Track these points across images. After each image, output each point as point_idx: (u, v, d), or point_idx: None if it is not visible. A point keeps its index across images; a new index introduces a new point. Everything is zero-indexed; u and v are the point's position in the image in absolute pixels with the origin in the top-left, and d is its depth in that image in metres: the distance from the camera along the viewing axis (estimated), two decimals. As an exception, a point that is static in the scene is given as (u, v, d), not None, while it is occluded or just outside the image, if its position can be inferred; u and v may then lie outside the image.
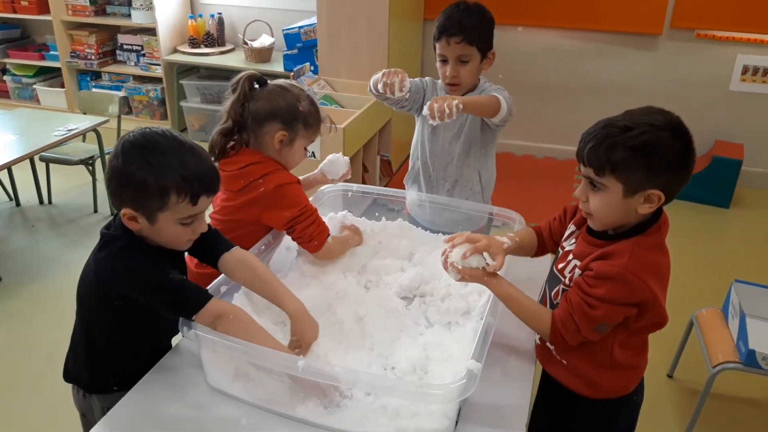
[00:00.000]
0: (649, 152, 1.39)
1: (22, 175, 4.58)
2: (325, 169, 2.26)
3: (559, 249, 1.70)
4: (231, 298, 1.73)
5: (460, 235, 1.66)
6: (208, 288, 1.63)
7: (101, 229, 1.57)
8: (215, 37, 5.74)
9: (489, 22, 2.26)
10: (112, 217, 1.61)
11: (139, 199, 1.45)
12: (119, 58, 6.04)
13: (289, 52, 5.17)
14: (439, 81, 2.36)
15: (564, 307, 1.54)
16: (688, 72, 4.92)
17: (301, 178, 2.22)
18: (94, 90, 5.87)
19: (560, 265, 1.63)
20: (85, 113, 4.58)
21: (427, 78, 2.43)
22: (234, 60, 5.59)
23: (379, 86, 2.14)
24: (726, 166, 4.68)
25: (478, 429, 1.48)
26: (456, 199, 2.39)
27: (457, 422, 1.47)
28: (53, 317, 3.36)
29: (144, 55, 5.83)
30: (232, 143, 1.99)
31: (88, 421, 1.73)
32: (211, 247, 1.70)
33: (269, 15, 5.64)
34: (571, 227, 1.68)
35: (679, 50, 4.89)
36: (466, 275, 1.61)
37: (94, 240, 1.58)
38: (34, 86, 6.24)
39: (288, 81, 2.03)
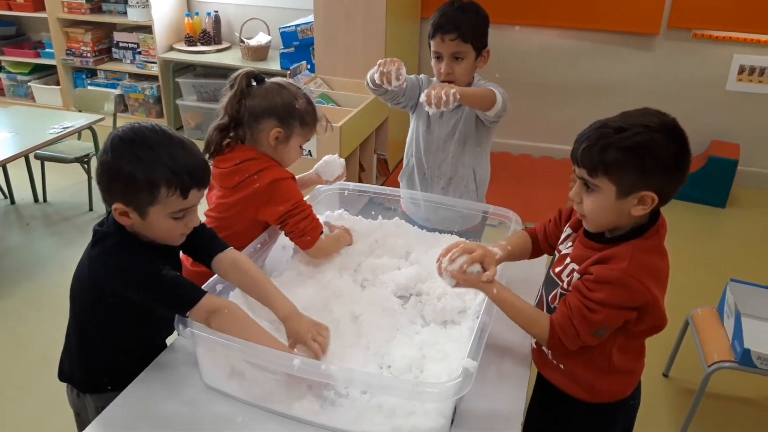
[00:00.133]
0: (642, 153, 1.39)
1: (17, 173, 4.57)
2: (320, 169, 2.26)
3: (556, 252, 1.70)
4: (227, 296, 1.72)
5: (455, 244, 1.65)
6: (204, 286, 1.63)
7: (94, 226, 1.57)
8: (212, 35, 5.73)
9: (484, 20, 2.27)
10: (106, 215, 1.60)
11: (130, 193, 1.45)
12: (115, 55, 6.03)
13: (285, 51, 5.16)
14: (435, 79, 2.36)
15: (563, 311, 1.53)
16: (684, 72, 4.93)
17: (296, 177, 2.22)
18: (89, 88, 5.86)
19: (557, 269, 1.62)
20: (80, 111, 4.57)
21: (422, 75, 2.44)
22: (230, 58, 5.58)
23: (376, 76, 2.14)
24: (722, 166, 4.68)
25: (474, 429, 1.48)
26: (451, 197, 2.40)
27: (452, 421, 1.47)
28: (48, 316, 3.35)
29: (140, 52, 5.82)
30: (228, 140, 1.98)
31: (82, 420, 1.73)
32: (205, 247, 1.71)
33: (266, 13, 5.63)
34: (567, 230, 1.68)
35: (676, 50, 4.90)
36: (461, 280, 1.60)
37: (89, 238, 1.58)
38: (29, 84, 6.22)
39: (285, 79, 2.03)
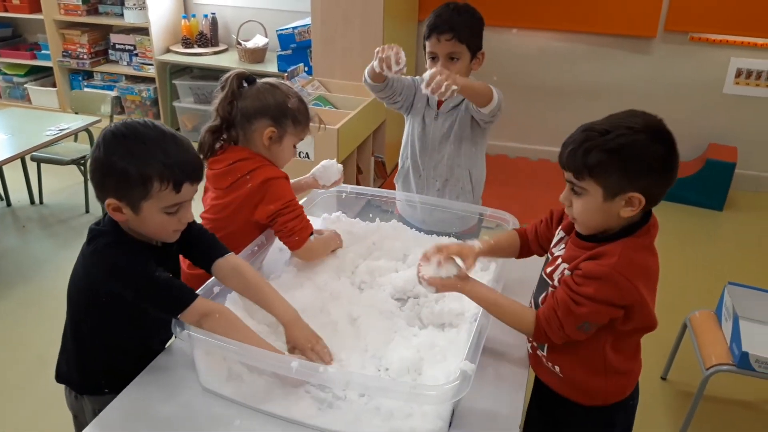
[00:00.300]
0: (626, 155, 1.39)
1: (13, 175, 4.56)
2: (317, 174, 2.25)
3: (548, 255, 1.70)
4: (224, 299, 1.72)
5: (432, 247, 1.67)
6: (201, 288, 1.63)
7: (90, 226, 1.57)
8: (208, 37, 5.72)
9: (479, 21, 2.28)
10: (102, 216, 1.60)
11: (122, 188, 1.45)
12: (111, 57, 6.01)
13: (283, 53, 5.15)
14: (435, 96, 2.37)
15: (549, 303, 1.53)
16: (682, 75, 4.93)
17: (292, 181, 2.22)
18: (86, 90, 5.84)
19: (548, 269, 1.63)
20: (76, 113, 4.57)
21: (418, 77, 2.43)
22: (227, 60, 5.57)
23: (375, 64, 2.14)
24: (719, 169, 4.69)
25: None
26: (447, 200, 2.41)
27: (450, 424, 1.46)
28: (44, 318, 3.34)
29: (137, 54, 5.81)
30: (221, 142, 1.98)
31: (79, 422, 1.72)
32: (205, 251, 1.71)
33: (263, 15, 5.63)
34: (560, 233, 1.68)
35: (673, 53, 4.90)
36: (439, 286, 1.61)
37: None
38: (25, 85, 6.20)
39: (277, 79, 2.03)
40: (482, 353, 1.48)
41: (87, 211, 4.50)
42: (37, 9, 5.81)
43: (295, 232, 1.93)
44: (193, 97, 5.74)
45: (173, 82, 5.74)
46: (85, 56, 5.86)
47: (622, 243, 1.47)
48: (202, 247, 1.71)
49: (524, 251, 1.85)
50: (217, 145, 1.99)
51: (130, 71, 5.88)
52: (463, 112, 2.33)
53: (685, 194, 4.76)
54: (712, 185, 4.74)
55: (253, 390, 1.52)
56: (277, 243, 2.05)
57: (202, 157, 1.95)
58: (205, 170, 2.00)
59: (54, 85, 6.13)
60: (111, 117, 4.42)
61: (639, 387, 1.73)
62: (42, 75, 6.28)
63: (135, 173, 1.43)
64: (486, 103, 2.17)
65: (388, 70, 2.12)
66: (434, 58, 2.26)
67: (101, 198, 1.49)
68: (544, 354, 1.64)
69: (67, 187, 4.82)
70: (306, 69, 4.72)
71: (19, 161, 4.19)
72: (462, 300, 1.85)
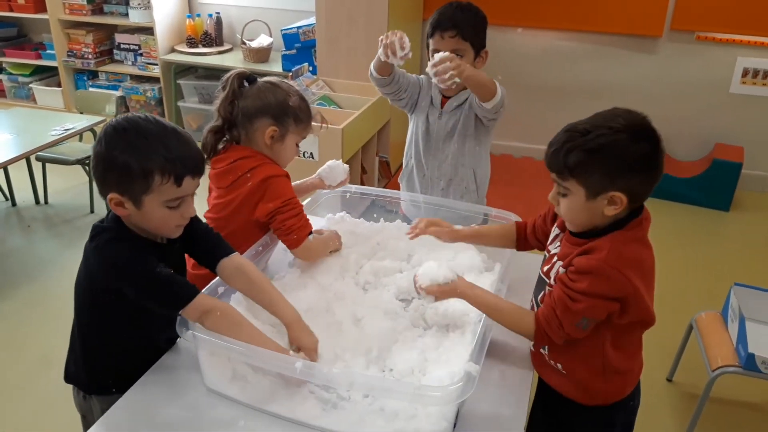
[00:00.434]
0: (606, 155, 1.41)
1: (19, 174, 4.56)
2: (323, 174, 2.25)
3: (546, 253, 1.71)
4: (229, 299, 1.72)
5: (419, 220, 1.88)
6: (205, 288, 1.64)
7: (94, 223, 1.57)
8: (213, 36, 5.72)
9: (482, 20, 2.29)
10: (106, 215, 1.60)
11: (124, 182, 1.45)
12: (116, 57, 6.01)
13: (287, 53, 5.15)
14: (434, 79, 2.37)
15: (547, 303, 1.54)
16: (688, 74, 4.92)
17: (298, 182, 2.22)
18: (91, 89, 5.85)
19: (545, 268, 1.64)
20: (81, 113, 4.57)
21: (422, 76, 2.44)
22: (232, 60, 5.57)
23: (380, 52, 2.14)
24: (726, 169, 4.67)
25: (476, 433, 1.47)
26: (452, 199, 2.41)
27: (455, 425, 1.46)
28: (49, 318, 3.34)
29: (141, 54, 5.81)
30: (224, 142, 1.98)
31: (88, 422, 1.72)
32: (210, 251, 1.71)
33: (268, 15, 5.62)
34: (555, 230, 1.69)
35: (679, 52, 4.89)
36: (437, 293, 1.63)
37: (90, 239, 1.57)
38: (30, 85, 6.21)
39: (278, 78, 2.03)
40: (487, 354, 1.48)
41: (92, 211, 4.50)
42: (42, 9, 5.81)
43: (294, 231, 1.92)
44: (197, 97, 5.74)
45: (178, 81, 5.74)
46: (90, 56, 5.86)
47: (611, 237, 1.48)
48: (207, 246, 1.71)
49: (523, 244, 1.88)
50: (220, 145, 1.99)
51: (135, 71, 5.88)
52: (467, 111, 2.33)
53: (691, 194, 4.75)
54: (719, 185, 4.72)
55: (257, 391, 1.52)
56: (281, 243, 2.04)
57: (205, 156, 1.94)
58: (209, 170, 1.99)
59: (59, 85, 6.13)
60: (116, 117, 4.41)
61: (640, 388, 1.73)
62: (47, 75, 6.29)
63: (136, 167, 1.43)
64: (489, 97, 2.16)
65: (393, 56, 2.12)
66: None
67: (103, 193, 1.49)
68: (546, 353, 1.64)
69: (72, 187, 4.83)
70: (310, 69, 4.72)
71: (24, 161, 4.18)
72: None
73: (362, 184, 4.36)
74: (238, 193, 1.93)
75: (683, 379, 3.03)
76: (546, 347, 1.63)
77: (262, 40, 5.54)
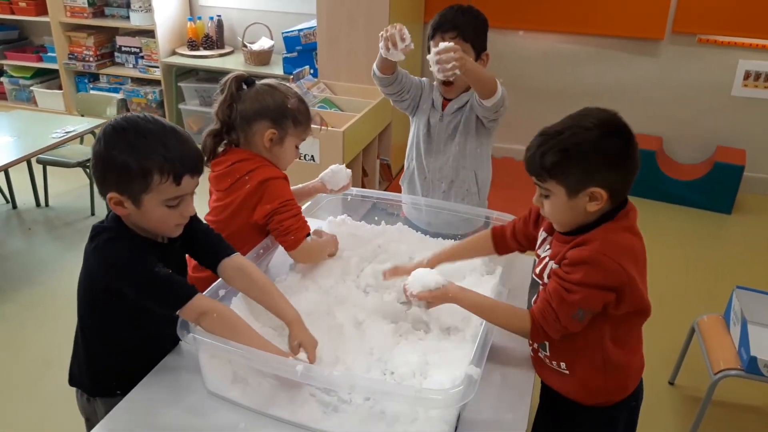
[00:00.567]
0: (581, 152, 1.45)
1: (19, 177, 4.55)
2: (325, 178, 2.24)
3: (535, 257, 1.72)
4: (229, 302, 1.72)
5: (393, 269, 1.86)
6: (206, 291, 1.64)
7: (94, 224, 1.57)
8: (214, 39, 5.72)
9: (483, 23, 2.29)
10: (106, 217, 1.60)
11: (123, 182, 1.46)
12: (117, 60, 6.01)
13: (288, 55, 5.15)
14: (435, 82, 2.37)
15: (541, 297, 1.56)
16: (689, 77, 4.91)
17: (300, 185, 2.22)
18: (91, 92, 5.86)
19: (538, 269, 1.65)
20: (82, 115, 4.57)
21: (424, 78, 2.44)
22: (233, 63, 5.57)
23: (381, 46, 2.13)
24: (728, 172, 4.66)
25: (478, 436, 1.47)
26: (453, 202, 2.41)
27: (456, 428, 1.46)
28: (49, 321, 3.34)
29: (142, 57, 5.81)
30: (223, 145, 1.98)
31: (91, 425, 1.71)
32: (211, 251, 1.71)
33: (269, 18, 5.62)
34: (543, 234, 1.71)
35: (681, 55, 4.88)
36: (429, 299, 1.65)
37: (91, 242, 1.57)
38: (31, 88, 6.21)
39: (276, 80, 2.02)
40: (488, 358, 1.48)
41: (93, 214, 4.50)
42: (44, 11, 5.82)
43: (291, 231, 1.92)
44: (198, 100, 5.74)
45: (179, 84, 5.74)
46: (91, 59, 5.86)
47: (603, 228, 1.51)
48: (208, 246, 1.71)
49: (502, 246, 1.89)
50: (220, 148, 1.99)
51: (136, 74, 5.88)
52: (468, 113, 2.33)
53: (693, 197, 4.74)
54: (720, 188, 4.71)
55: (258, 394, 1.52)
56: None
57: (205, 159, 1.94)
58: (209, 172, 2.00)
59: (60, 88, 6.13)
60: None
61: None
62: (48, 77, 6.30)
63: (135, 166, 1.43)
64: (489, 94, 2.16)
65: (393, 49, 2.11)
66: None
67: (103, 192, 1.50)
68: (548, 354, 1.65)
69: (72, 190, 4.83)
70: (311, 71, 4.72)
71: (24, 164, 4.18)
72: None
73: (363, 186, 4.36)
74: (237, 195, 1.93)
75: (685, 383, 3.02)
76: (547, 348, 1.63)
77: (263, 43, 5.54)
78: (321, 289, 1.91)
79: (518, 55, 5.20)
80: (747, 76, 4.77)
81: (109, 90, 5.93)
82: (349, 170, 2.26)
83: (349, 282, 1.99)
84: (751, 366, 2.41)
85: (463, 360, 1.53)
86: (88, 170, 4.40)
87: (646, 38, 4.88)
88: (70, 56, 5.91)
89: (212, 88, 5.62)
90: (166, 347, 1.70)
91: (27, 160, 3.99)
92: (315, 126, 2.06)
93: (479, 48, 2.26)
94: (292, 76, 4.41)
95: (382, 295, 1.94)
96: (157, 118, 1.51)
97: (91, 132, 4.18)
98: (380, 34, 2.13)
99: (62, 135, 3.99)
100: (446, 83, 2.29)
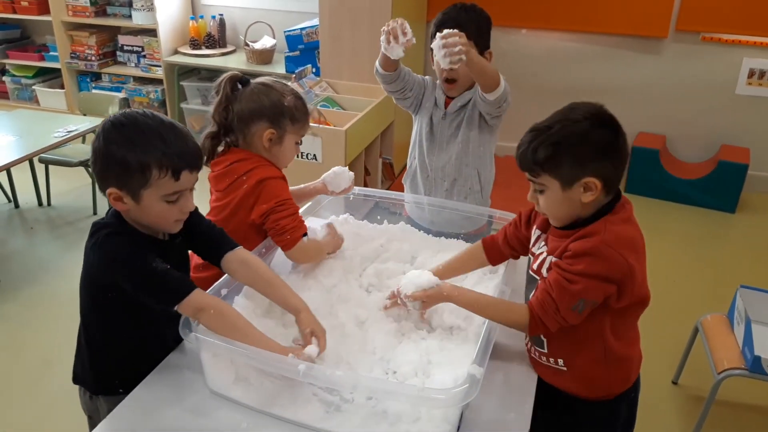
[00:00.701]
0: (572, 143, 1.47)
1: (21, 176, 4.56)
2: (327, 180, 2.23)
3: (530, 255, 1.73)
4: (232, 301, 1.71)
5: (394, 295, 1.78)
6: (209, 290, 1.63)
7: (94, 221, 1.57)
8: (216, 38, 5.72)
9: (486, 21, 2.29)
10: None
11: (122, 177, 1.46)
12: (119, 59, 6.01)
13: (290, 54, 5.14)
14: (438, 81, 2.36)
15: (541, 288, 1.56)
16: (693, 75, 4.89)
17: (301, 186, 2.22)
18: (94, 91, 5.86)
19: (535, 266, 1.66)
20: (85, 114, 4.57)
21: (427, 77, 2.43)
22: (235, 62, 5.57)
23: (382, 40, 2.13)
24: (732, 171, 4.65)
25: (481, 436, 1.46)
26: (456, 201, 2.40)
27: (458, 428, 1.45)
28: (51, 320, 3.33)
29: (144, 56, 5.81)
30: (223, 145, 1.97)
31: (94, 423, 1.72)
32: (214, 246, 1.71)
33: (271, 16, 5.62)
34: (537, 232, 1.72)
35: (685, 53, 4.87)
36: (424, 298, 1.66)
37: (93, 241, 1.56)
38: (33, 87, 6.21)
39: (270, 78, 2.00)
40: (491, 357, 1.48)
41: (95, 213, 4.50)
42: (46, 11, 5.82)
43: (287, 231, 1.90)
44: (200, 99, 5.74)
45: (181, 83, 5.75)
46: (93, 58, 5.86)
47: (604, 220, 1.52)
48: (211, 241, 1.72)
49: (496, 257, 1.89)
50: (220, 148, 1.98)
51: (138, 73, 5.88)
52: (471, 111, 2.32)
53: (697, 196, 4.73)
54: (725, 187, 4.70)
55: (260, 393, 1.51)
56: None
57: (205, 159, 1.94)
58: (209, 172, 2.00)
59: (62, 87, 6.14)
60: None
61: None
62: (50, 77, 6.30)
63: (134, 161, 1.44)
64: (493, 87, 2.15)
65: (395, 43, 2.10)
66: None
67: (103, 188, 1.50)
68: (545, 351, 1.65)
69: (74, 189, 4.83)
70: (314, 70, 4.71)
71: (27, 163, 4.19)
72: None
73: (366, 186, 4.35)
74: (235, 195, 1.93)
75: (689, 382, 3.01)
76: (544, 346, 1.63)
77: (266, 42, 5.54)
78: (323, 288, 1.91)
79: (521, 53, 5.19)
80: (751, 74, 4.76)
81: (111, 89, 5.93)
82: (351, 173, 2.25)
83: (351, 281, 1.98)
84: (755, 365, 2.41)
85: (466, 359, 1.52)
86: (90, 169, 4.40)
87: (649, 36, 4.87)
88: (72, 55, 5.91)
89: (214, 88, 5.62)
90: (168, 345, 1.69)
91: (29, 159, 3.99)
92: (314, 117, 2.04)
93: (482, 46, 2.25)
94: (294, 75, 4.41)
95: (384, 294, 1.93)
96: (156, 113, 1.51)
97: (93, 131, 4.18)
98: (382, 29, 2.13)
99: (64, 134, 3.99)
100: (449, 81, 2.28)
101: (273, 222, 1.90)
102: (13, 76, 6.29)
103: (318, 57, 4.84)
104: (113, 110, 4.46)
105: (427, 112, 2.40)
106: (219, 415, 1.50)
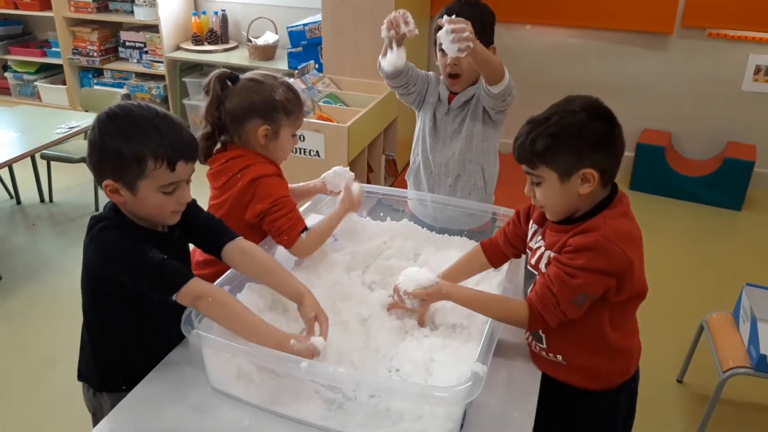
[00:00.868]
0: (569, 134, 1.48)
1: (23, 173, 4.56)
2: (327, 179, 2.21)
3: (528, 250, 1.72)
4: (235, 296, 1.69)
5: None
6: (215, 282, 1.63)
7: (92, 215, 1.57)
8: (219, 34, 5.71)
9: (490, 16, 2.28)
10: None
11: (118, 168, 1.46)
12: (121, 55, 6.02)
13: (293, 50, 5.13)
14: (441, 76, 2.35)
15: (540, 283, 1.56)
16: (699, 72, 4.87)
17: (300, 184, 2.20)
18: (96, 87, 5.85)
19: (533, 260, 1.66)
20: (86, 111, 4.57)
21: (431, 72, 2.42)
22: (238, 57, 5.55)
23: (383, 28, 2.11)
24: (738, 168, 4.63)
25: (484, 434, 1.46)
26: (459, 197, 2.39)
27: (462, 426, 1.44)
28: (53, 317, 3.33)
29: (146, 52, 5.80)
30: (219, 145, 1.97)
31: (98, 419, 1.72)
32: (214, 237, 1.71)
33: (273, 12, 5.60)
34: (533, 226, 1.72)
35: (690, 50, 4.84)
36: (423, 296, 1.64)
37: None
38: (35, 83, 6.22)
39: (259, 72, 1.98)
40: (494, 355, 1.47)
41: (97, 209, 4.49)
42: (48, 6, 5.81)
43: (284, 231, 1.90)
44: (203, 95, 5.71)
45: (183, 79, 5.74)
46: (95, 54, 5.86)
47: (603, 215, 1.53)
48: (211, 233, 1.71)
49: (497, 259, 1.88)
50: (218, 146, 1.97)
51: (140, 69, 5.88)
52: (475, 106, 2.31)
53: (703, 193, 4.71)
54: (730, 184, 4.68)
55: (262, 390, 1.51)
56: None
57: (202, 159, 1.94)
58: (207, 170, 2.01)
59: (64, 83, 6.14)
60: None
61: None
62: (52, 72, 6.30)
63: (129, 152, 1.44)
64: (497, 79, 2.13)
65: (396, 32, 2.10)
66: (444, 51, 2.23)
67: (99, 180, 1.51)
68: (544, 347, 1.65)
69: (76, 185, 4.82)
70: (317, 66, 4.70)
71: (28, 159, 4.19)
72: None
73: (368, 182, 4.34)
74: (230, 193, 1.92)
75: (694, 381, 2.99)
76: (543, 341, 1.64)
77: (268, 38, 5.52)
78: (326, 285, 1.89)
79: (526, 49, 5.18)
80: (757, 70, 4.73)
81: (113, 85, 5.93)
82: (352, 173, 2.22)
83: (354, 278, 1.97)
84: (761, 364, 2.39)
85: (469, 357, 1.52)
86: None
87: (655, 32, 4.84)
88: (74, 51, 5.91)
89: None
90: (171, 342, 1.69)
91: (31, 155, 3.99)
92: (308, 106, 2.03)
93: (486, 42, 2.23)
94: (297, 71, 4.39)
95: (387, 291, 1.91)
96: (151, 105, 1.51)
97: (95, 127, 4.17)
98: (384, 20, 2.12)
99: (66, 130, 3.99)
100: (452, 76, 2.27)
101: (269, 224, 1.90)
102: (15, 72, 6.29)
103: (321, 53, 4.82)
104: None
105: (430, 107, 2.39)
106: (221, 413, 1.50)
